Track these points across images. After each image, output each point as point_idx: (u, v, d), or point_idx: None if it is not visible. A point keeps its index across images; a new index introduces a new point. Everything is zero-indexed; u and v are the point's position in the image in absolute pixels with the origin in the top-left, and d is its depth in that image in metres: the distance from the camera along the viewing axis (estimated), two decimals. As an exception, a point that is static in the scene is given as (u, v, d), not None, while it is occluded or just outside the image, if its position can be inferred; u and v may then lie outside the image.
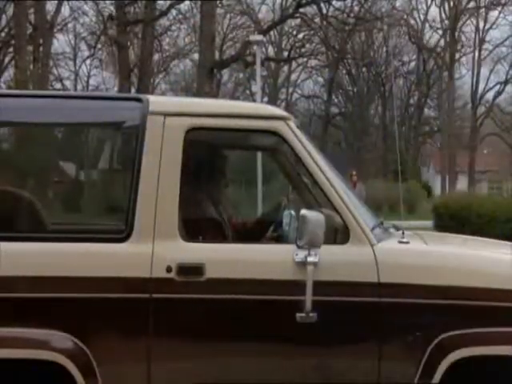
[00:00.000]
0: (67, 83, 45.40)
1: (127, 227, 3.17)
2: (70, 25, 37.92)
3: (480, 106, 45.02)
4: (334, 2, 27.20)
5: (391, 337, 3.22)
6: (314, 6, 26.12)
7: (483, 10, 41.71)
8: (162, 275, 3.11)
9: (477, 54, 43.55)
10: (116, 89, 33.97)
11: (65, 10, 35.90)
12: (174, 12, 28.75)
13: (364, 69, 43.80)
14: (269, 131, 3.39)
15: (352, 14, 30.46)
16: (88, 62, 44.92)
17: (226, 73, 40.25)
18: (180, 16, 30.82)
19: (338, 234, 3.32)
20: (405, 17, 40.63)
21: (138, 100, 3.37)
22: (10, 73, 31.64)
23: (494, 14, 42.25)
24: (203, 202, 3.83)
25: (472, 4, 41.51)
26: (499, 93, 44.23)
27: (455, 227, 12.87)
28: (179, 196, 3.22)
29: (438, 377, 3.20)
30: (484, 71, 52.26)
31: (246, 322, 3.18)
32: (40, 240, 3.17)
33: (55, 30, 33.25)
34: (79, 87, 46.76)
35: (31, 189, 3.89)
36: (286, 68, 44.34)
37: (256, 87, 24.16)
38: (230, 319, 3.17)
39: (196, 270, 3.13)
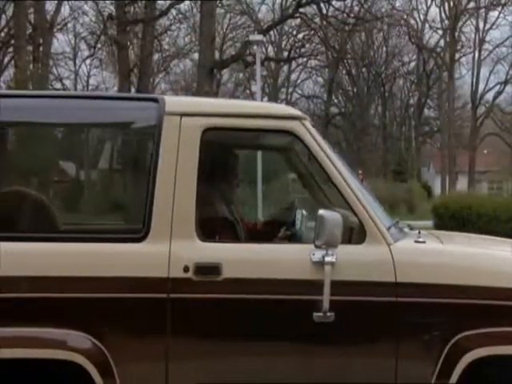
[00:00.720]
0: (67, 83, 45.38)
1: (144, 227, 3.17)
2: (69, 24, 37.92)
3: (480, 106, 45.02)
4: (333, 2, 27.21)
5: (408, 336, 3.21)
6: (314, 6, 26.12)
7: (483, 10, 41.72)
8: (180, 275, 3.11)
9: (477, 54, 43.60)
10: (116, 88, 33.97)
11: (65, 10, 35.95)
12: (173, 12, 28.75)
13: (364, 69, 43.79)
14: (285, 131, 3.40)
15: (352, 14, 30.45)
16: (88, 61, 44.92)
17: (225, 73, 40.27)
18: (180, 16, 30.82)
19: (354, 233, 3.33)
20: (405, 17, 40.61)
21: (155, 100, 3.38)
22: (9, 72, 31.63)
23: (494, 14, 42.39)
24: (218, 202, 3.85)
25: (472, 4, 41.53)
26: (499, 93, 44.26)
27: (455, 227, 12.87)
28: (196, 196, 3.23)
29: (455, 377, 3.19)
30: (484, 71, 52.38)
31: (263, 321, 3.18)
32: (57, 240, 3.17)
33: (55, 30, 33.25)
34: (79, 87, 46.77)
35: (47, 189, 3.89)
36: (285, 68, 44.36)
37: (256, 87, 24.16)
38: (247, 319, 3.17)
39: (213, 269, 3.13)
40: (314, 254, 3.18)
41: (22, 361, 3.03)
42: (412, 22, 42.37)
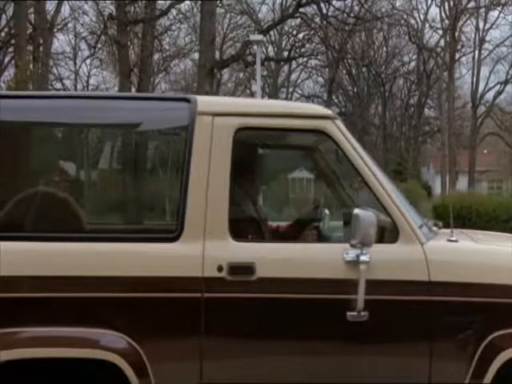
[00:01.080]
0: (67, 83, 45.38)
1: (178, 227, 3.18)
2: (70, 24, 37.93)
3: (480, 105, 45.00)
4: (334, 2, 27.21)
5: (442, 336, 3.21)
6: (314, 6, 26.12)
7: (483, 9, 41.70)
8: (214, 274, 3.13)
9: (477, 53, 43.58)
10: (116, 88, 33.96)
11: (65, 10, 36.02)
12: (174, 12, 28.75)
13: (364, 69, 43.77)
14: (317, 130, 3.41)
15: (352, 14, 30.44)
16: (88, 61, 44.91)
17: (225, 73, 40.28)
18: (180, 16, 30.82)
19: (387, 232, 3.34)
20: (405, 17, 40.63)
21: (187, 100, 3.39)
22: (10, 72, 31.63)
23: (494, 13, 42.30)
24: (248, 202, 3.88)
25: (472, 4, 41.50)
26: (499, 93, 44.23)
27: (455, 227, 12.85)
28: (228, 195, 3.24)
29: (489, 376, 3.19)
30: (484, 71, 52.34)
31: (297, 320, 3.19)
32: (91, 241, 3.19)
33: (55, 30, 33.25)
34: (79, 87, 46.77)
35: (82, 190, 3.91)
36: (286, 68, 44.34)
37: (256, 87, 24.18)
38: (281, 318, 3.18)
39: (247, 269, 3.14)
40: (347, 254, 3.19)
41: (58, 360, 3.03)
42: (412, 21, 42.41)
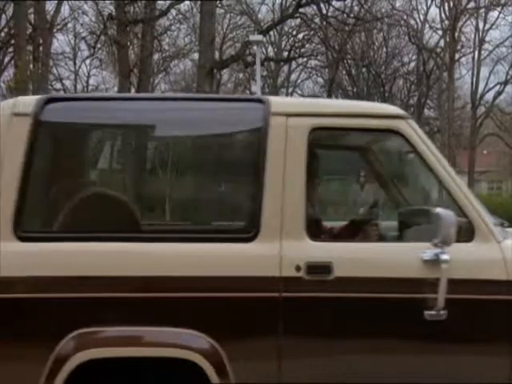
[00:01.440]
0: (67, 83, 45.39)
1: (254, 227, 3.20)
2: (69, 25, 37.92)
3: (480, 106, 45.00)
4: (333, 2, 27.21)
5: None
6: (314, 6, 26.12)
7: (483, 10, 41.70)
8: (292, 274, 3.15)
9: (476, 54, 43.55)
10: (116, 89, 33.95)
11: (64, 10, 35.96)
12: (173, 12, 28.77)
13: (364, 69, 43.78)
14: (391, 130, 3.41)
15: (352, 15, 30.45)
16: (88, 61, 44.89)
17: (225, 73, 40.27)
18: (180, 16, 30.84)
19: (462, 231, 3.33)
20: (405, 17, 40.62)
21: (260, 101, 3.40)
22: (9, 72, 31.64)
23: (493, 14, 42.24)
24: (318, 202, 3.89)
25: (472, 4, 41.50)
26: (499, 93, 44.22)
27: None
28: (304, 195, 3.26)
29: None
30: (484, 71, 52.30)
31: (374, 320, 3.20)
32: (169, 241, 3.21)
33: (55, 30, 33.24)
34: (79, 87, 46.76)
35: (162, 190, 3.92)
36: (285, 68, 44.34)
37: (256, 87, 24.17)
38: (358, 318, 3.19)
39: (324, 268, 3.16)
40: (425, 253, 3.19)
41: (137, 360, 3.06)
42: (412, 22, 42.38)
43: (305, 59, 40.48)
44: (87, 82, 46.86)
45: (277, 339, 3.13)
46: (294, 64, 42.79)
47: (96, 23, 34.28)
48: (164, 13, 26.32)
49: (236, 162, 3.81)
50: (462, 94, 46.07)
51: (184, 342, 3.06)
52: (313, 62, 42.36)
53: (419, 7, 43.38)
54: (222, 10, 34.64)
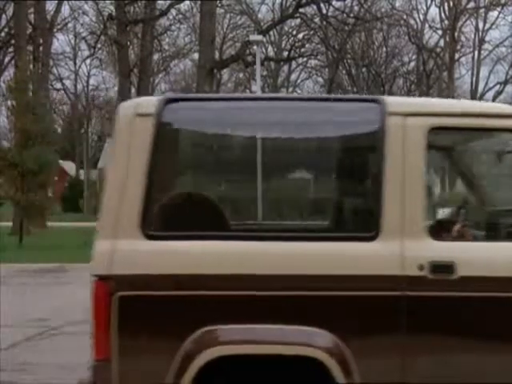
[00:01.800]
0: (67, 83, 45.48)
1: (375, 226, 3.20)
2: (69, 24, 38.00)
3: (480, 106, 44.99)
4: (333, 2, 27.29)
5: None
6: (314, 6, 26.20)
7: (483, 10, 41.73)
8: (415, 273, 3.14)
9: (476, 54, 43.59)
10: (116, 88, 34.00)
11: (65, 10, 36.03)
12: (173, 12, 28.84)
13: (364, 69, 43.81)
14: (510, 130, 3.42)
15: (352, 14, 30.52)
16: (88, 61, 44.94)
17: (225, 73, 40.31)
18: (180, 16, 30.90)
19: None
20: (404, 17, 40.63)
21: (375, 101, 3.40)
22: (10, 73, 31.68)
23: (493, 14, 42.22)
24: (435, 201, 3.90)
25: (471, 4, 41.52)
26: (499, 93, 44.26)
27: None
28: (425, 195, 3.26)
29: None
30: (483, 71, 52.33)
31: (498, 319, 3.19)
32: (296, 240, 3.23)
33: (55, 30, 33.28)
34: (79, 87, 46.83)
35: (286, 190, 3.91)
36: (285, 68, 44.38)
37: (256, 87, 24.19)
38: (481, 317, 3.19)
39: (448, 268, 3.15)
40: None
41: (256, 357, 3.07)
42: (412, 22, 42.39)
43: (305, 59, 40.53)
44: (87, 81, 46.92)
45: (400, 337, 3.11)
46: (293, 64, 42.85)
47: (96, 23, 34.34)
48: (164, 13, 26.37)
49: (355, 162, 3.77)
50: (462, 93, 46.07)
51: (310, 340, 3.06)
52: (313, 62, 42.41)
53: (419, 7, 43.43)
54: (222, 10, 34.68)
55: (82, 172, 50.20)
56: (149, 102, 3.30)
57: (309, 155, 4.15)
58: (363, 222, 3.39)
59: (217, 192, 3.53)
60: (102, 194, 3.24)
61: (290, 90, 45.30)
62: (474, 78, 43.97)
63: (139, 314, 3.07)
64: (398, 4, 39.05)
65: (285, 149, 4.02)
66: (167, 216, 3.31)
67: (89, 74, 46.68)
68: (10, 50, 31.70)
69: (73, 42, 42.64)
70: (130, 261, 3.06)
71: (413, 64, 44.99)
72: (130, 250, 3.08)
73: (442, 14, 41.82)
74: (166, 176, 3.49)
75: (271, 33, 37.69)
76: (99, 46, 35.35)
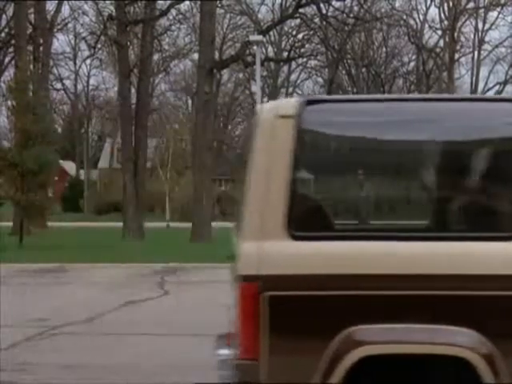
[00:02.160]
0: (67, 83, 45.53)
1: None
2: (69, 25, 38.08)
3: (479, 106, 45.02)
4: (333, 3, 27.30)
5: None
6: (314, 7, 26.20)
7: (482, 10, 41.77)
8: None
9: (476, 54, 43.63)
10: (116, 89, 34.02)
11: (65, 10, 36.05)
12: (173, 12, 28.85)
13: (364, 69, 43.83)
14: None
15: (351, 15, 30.53)
16: (88, 61, 45.03)
17: (225, 73, 40.34)
18: (180, 16, 30.91)
19: None
20: (404, 17, 40.67)
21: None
22: (10, 73, 31.71)
23: (493, 14, 42.27)
24: None
25: (471, 4, 41.56)
26: (499, 93, 44.21)
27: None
28: None
29: None
30: (483, 71, 52.34)
31: None
32: (435, 240, 3.21)
33: (55, 30, 33.31)
34: (79, 87, 46.88)
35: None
36: (285, 68, 44.43)
37: (256, 87, 24.20)
38: None
39: None
40: None
41: (402, 356, 3.04)
42: (411, 22, 42.43)
43: (304, 59, 40.57)
44: (87, 81, 46.98)
45: None
46: (293, 64, 42.89)
47: (96, 23, 34.38)
48: (164, 13, 26.36)
49: (497, 164, 3.70)
50: (462, 93, 46.15)
51: (458, 340, 3.02)
52: (313, 62, 42.47)
53: (419, 7, 43.45)
54: (222, 10, 34.71)
55: (82, 172, 50.23)
56: (289, 104, 3.31)
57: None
58: (504, 223, 3.34)
59: (358, 194, 3.51)
60: (242, 196, 3.27)
61: (290, 90, 45.34)
62: (474, 78, 44.01)
63: (288, 313, 3.06)
64: (397, 4, 39.09)
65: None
66: (311, 217, 3.32)
67: (89, 74, 46.76)
68: (10, 50, 31.72)
69: (73, 42, 42.77)
70: (277, 261, 3.06)
71: (412, 64, 45.04)
72: (277, 250, 3.08)
73: (442, 15, 41.86)
74: (307, 177, 3.48)
75: (271, 33, 37.72)
76: (99, 46, 35.39)
